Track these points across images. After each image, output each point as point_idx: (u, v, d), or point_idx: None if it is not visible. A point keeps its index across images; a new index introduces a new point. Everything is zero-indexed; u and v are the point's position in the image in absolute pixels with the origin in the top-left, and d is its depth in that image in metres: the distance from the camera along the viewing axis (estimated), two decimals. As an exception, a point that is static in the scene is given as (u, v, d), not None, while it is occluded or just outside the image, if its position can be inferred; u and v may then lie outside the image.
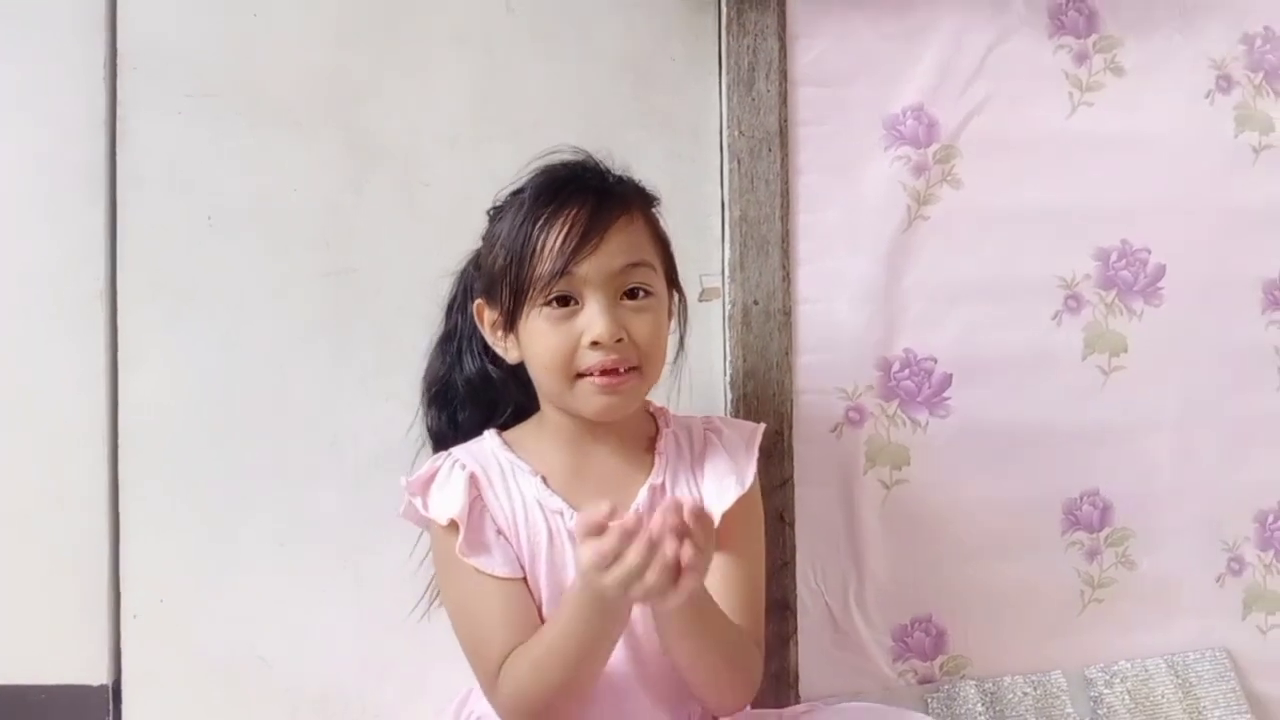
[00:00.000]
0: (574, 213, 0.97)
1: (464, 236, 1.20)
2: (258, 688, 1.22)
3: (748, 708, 1.04)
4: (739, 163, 1.31)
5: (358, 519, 1.23)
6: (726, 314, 1.31)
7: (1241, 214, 1.43)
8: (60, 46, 1.21)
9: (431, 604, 1.10)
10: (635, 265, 0.99)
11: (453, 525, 0.99)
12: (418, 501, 1.02)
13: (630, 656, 1.00)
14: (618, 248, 0.98)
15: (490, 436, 1.07)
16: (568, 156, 1.05)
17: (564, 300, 0.98)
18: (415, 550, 1.14)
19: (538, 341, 0.99)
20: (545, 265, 0.96)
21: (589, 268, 0.97)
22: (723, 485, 1.04)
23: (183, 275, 1.23)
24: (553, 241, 0.96)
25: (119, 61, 1.22)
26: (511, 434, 1.08)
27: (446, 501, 1.00)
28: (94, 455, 1.21)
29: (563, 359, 0.98)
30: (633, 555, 0.81)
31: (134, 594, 1.21)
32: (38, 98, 1.21)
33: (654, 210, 1.06)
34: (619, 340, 0.97)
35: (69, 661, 1.20)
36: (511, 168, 1.14)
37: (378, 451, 1.23)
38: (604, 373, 0.98)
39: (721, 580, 1.00)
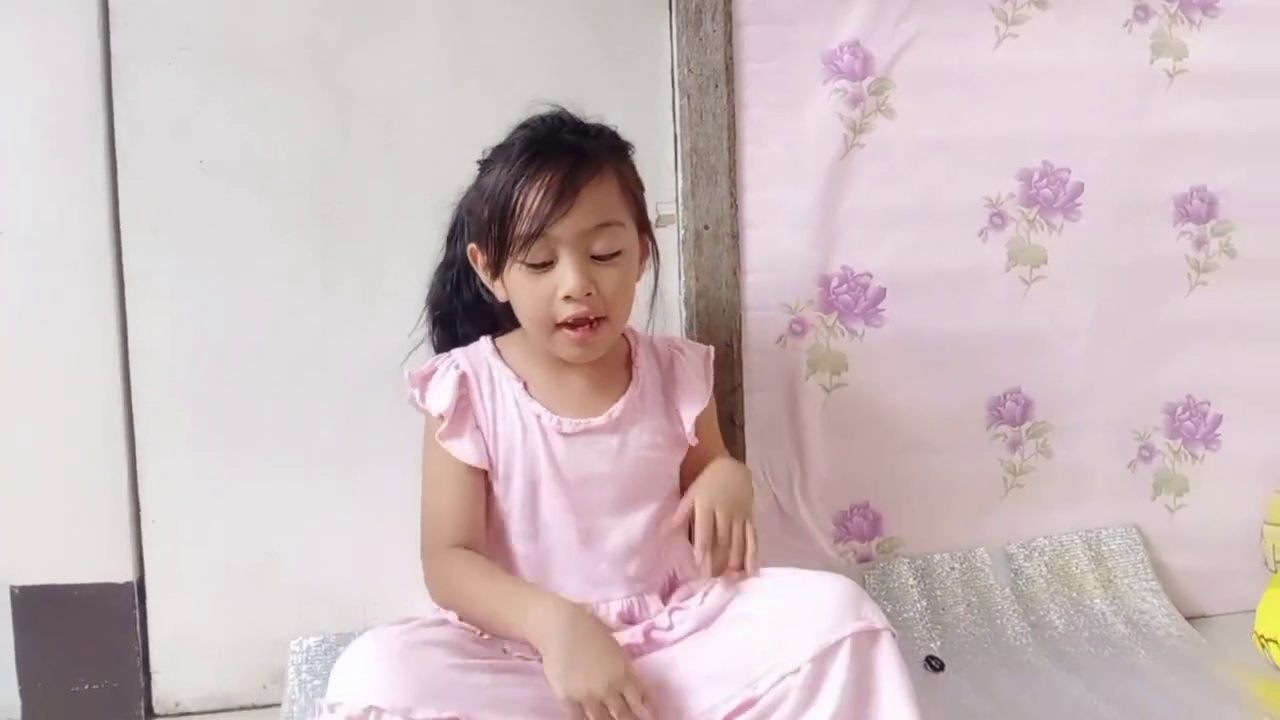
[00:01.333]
0: (549, 177, 1.07)
1: (440, 177, 1.32)
2: (268, 583, 1.37)
3: None
4: (689, 99, 1.42)
5: (350, 433, 1.38)
6: (680, 239, 1.44)
7: (1156, 135, 1.56)
8: (55, 5, 1.31)
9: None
10: (604, 226, 1.09)
11: (441, 417, 1.14)
12: (415, 393, 1.16)
13: (612, 511, 1.15)
14: (588, 210, 1.08)
15: (485, 342, 1.21)
16: (546, 111, 1.14)
17: (539, 260, 1.08)
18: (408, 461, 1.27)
19: (517, 293, 1.11)
20: (523, 226, 1.07)
21: (561, 229, 1.07)
22: (692, 398, 1.21)
23: (181, 217, 1.35)
24: (530, 203, 1.06)
25: (111, 19, 1.32)
26: (504, 340, 1.20)
27: (439, 397, 1.14)
28: (108, 383, 1.34)
29: (540, 310, 1.10)
30: None
31: (151, 502, 1.36)
32: (37, 55, 1.31)
33: (627, 161, 1.16)
34: (588, 294, 1.08)
35: (98, 563, 1.35)
36: (482, 111, 1.27)
37: (366, 374, 1.37)
38: (576, 325, 1.09)
39: (702, 466, 1.17)
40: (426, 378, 1.17)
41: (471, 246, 1.17)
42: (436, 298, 1.26)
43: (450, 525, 1.13)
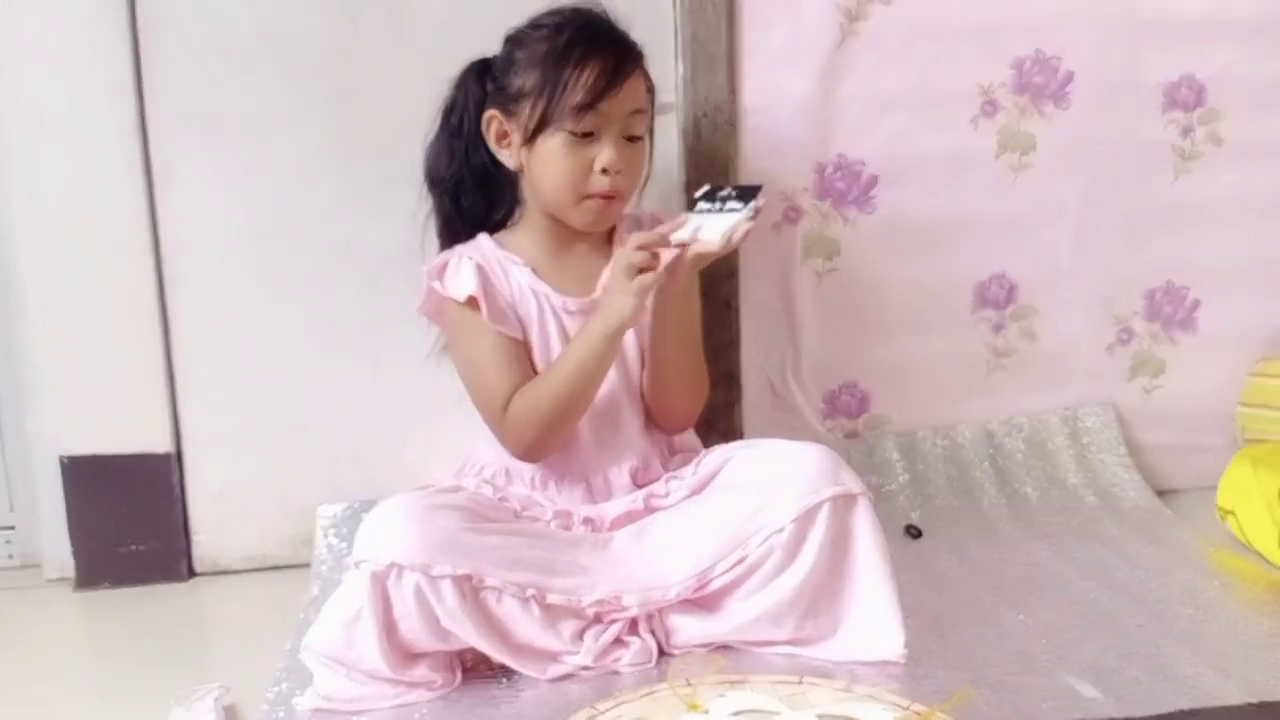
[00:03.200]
0: (603, 59, 1.19)
1: (448, 61, 1.37)
2: (298, 451, 1.48)
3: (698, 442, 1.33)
4: (689, -14, 1.46)
5: (373, 309, 1.46)
6: (680, 127, 1.49)
7: (1148, 23, 1.57)
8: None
9: (439, 359, 1.35)
10: (639, 111, 1.23)
11: (470, 301, 1.22)
12: (436, 284, 1.24)
13: (623, 386, 1.27)
14: (629, 95, 1.21)
15: (484, 238, 1.30)
16: (586, 7, 1.24)
17: (585, 126, 1.19)
18: (427, 338, 1.37)
19: (554, 162, 1.21)
20: (578, 96, 1.17)
21: (610, 106, 1.19)
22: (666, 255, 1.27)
23: (204, 103, 1.41)
24: (586, 78, 1.18)
25: (129, -90, 1.36)
26: (500, 236, 1.31)
27: (461, 283, 1.23)
28: (141, 265, 1.42)
29: (575, 179, 1.21)
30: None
31: (186, 376, 1.46)
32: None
33: (645, 67, 1.26)
34: (619, 171, 1.21)
35: (138, 434, 1.45)
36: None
37: (386, 252, 1.45)
38: (604, 196, 1.21)
39: None
40: (441, 269, 1.25)
41: (491, 113, 1.25)
42: (440, 167, 1.31)
43: (508, 390, 1.21)
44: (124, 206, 1.41)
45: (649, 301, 1.16)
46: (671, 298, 1.20)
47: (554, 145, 1.20)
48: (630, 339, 1.27)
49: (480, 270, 1.24)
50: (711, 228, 1.15)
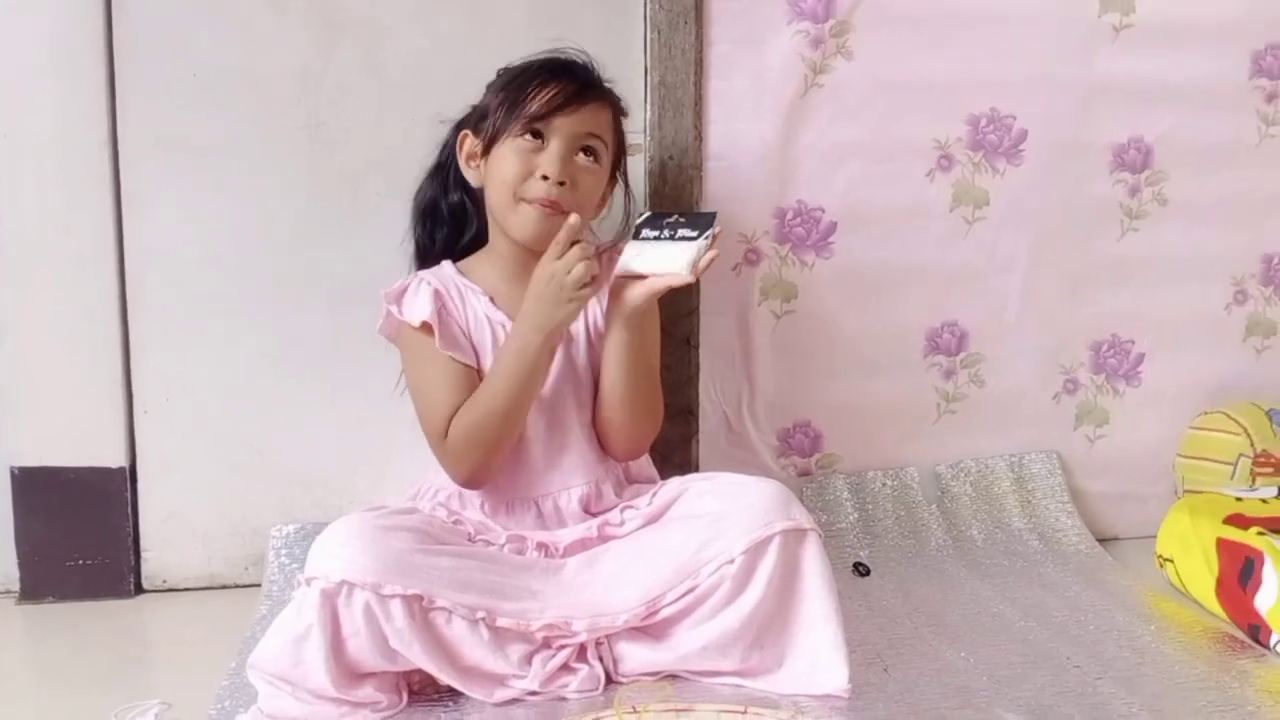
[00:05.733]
0: (565, 82, 1.26)
1: (418, 97, 1.41)
2: (252, 472, 1.48)
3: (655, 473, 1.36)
4: (659, 33, 1.50)
5: (334, 337, 1.48)
6: (646, 169, 1.53)
7: (1100, 86, 1.64)
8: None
9: (403, 391, 1.33)
10: (594, 135, 1.27)
11: (425, 326, 1.25)
12: (394, 308, 1.27)
13: (575, 408, 1.29)
14: (587, 118, 1.26)
15: (447, 265, 1.34)
16: (570, 53, 1.31)
17: (536, 134, 1.24)
18: (385, 366, 1.38)
19: (503, 163, 1.25)
20: (533, 108, 1.24)
21: (563, 122, 1.24)
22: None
23: (176, 129, 1.42)
24: (544, 94, 1.24)
25: (108, -61, 1.38)
26: (464, 264, 1.34)
27: (417, 308, 1.26)
28: (105, 283, 1.43)
29: (516, 182, 1.24)
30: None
31: (144, 393, 1.46)
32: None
33: (619, 114, 1.32)
34: (561, 184, 1.23)
35: (94, 448, 1.45)
36: (460, 37, 1.40)
37: (350, 282, 1.46)
38: (542, 204, 1.23)
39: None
40: (400, 294, 1.29)
41: (464, 133, 1.31)
42: (425, 198, 1.39)
43: (451, 415, 1.23)
44: (90, 224, 1.42)
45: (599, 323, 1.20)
46: (630, 324, 1.22)
47: (504, 150, 1.25)
48: (583, 362, 1.29)
49: (437, 296, 1.27)
50: (673, 257, 1.18)
